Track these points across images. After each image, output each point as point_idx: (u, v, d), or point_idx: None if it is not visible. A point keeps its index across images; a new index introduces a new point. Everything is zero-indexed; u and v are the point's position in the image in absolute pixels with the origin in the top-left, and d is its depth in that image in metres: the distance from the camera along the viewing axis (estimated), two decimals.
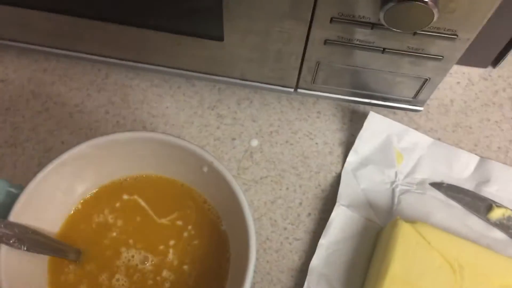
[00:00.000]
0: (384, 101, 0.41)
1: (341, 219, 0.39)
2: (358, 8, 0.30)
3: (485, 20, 0.30)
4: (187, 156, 0.29)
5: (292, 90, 0.42)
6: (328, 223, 0.39)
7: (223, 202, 0.30)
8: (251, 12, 0.33)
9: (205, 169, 0.29)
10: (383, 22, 0.28)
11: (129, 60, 0.42)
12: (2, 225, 0.25)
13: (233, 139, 0.43)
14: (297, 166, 0.42)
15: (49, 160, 0.41)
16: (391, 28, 0.28)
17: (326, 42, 0.34)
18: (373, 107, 0.42)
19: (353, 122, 0.44)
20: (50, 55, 0.44)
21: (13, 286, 0.25)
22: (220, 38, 0.36)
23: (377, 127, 0.42)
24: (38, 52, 0.43)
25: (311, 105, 0.45)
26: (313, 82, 0.40)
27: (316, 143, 0.43)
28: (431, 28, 0.29)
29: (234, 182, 0.28)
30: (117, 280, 0.29)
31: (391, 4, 0.26)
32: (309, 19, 0.33)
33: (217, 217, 0.31)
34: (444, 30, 0.31)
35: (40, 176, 0.27)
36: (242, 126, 0.43)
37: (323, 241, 0.38)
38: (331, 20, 0.32)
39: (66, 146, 0.41)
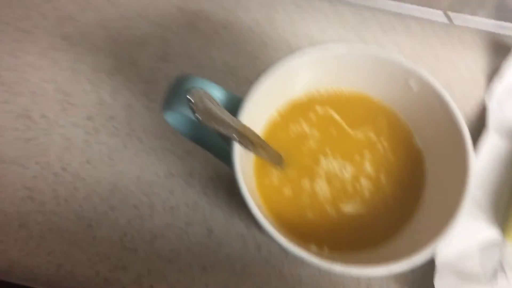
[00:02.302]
0: None
1: (489, 145, 0.40)
2: None
3: None
4: (390, 70, 0.30)
5: (444, 17, 0.42)
6: (478, 148, 0.40)
7: (421, 118, 0.31)
8: None
9: (412, 83, 0.30)
10: None
11: None
12: (238, 125, 0.26)
13: None
14: None
15: (200, 75, 0.42)
16: None
17: None
18: None
19: (497, 53, 0.44)
20: None
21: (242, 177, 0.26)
22: None
23: None
24: None
25: (454, 33, 0.45)
26: None
27: (460, 72, 0.43)
28: None
29: (448, 96, 0.28)
30: (318, 185, 0.31)
31: None
32: None
33: (409, 133, 0.32)
34: None
35: (260, 83, 0.28)
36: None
37: None
38: None
39: (216, 62, 0.41)
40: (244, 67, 0.42)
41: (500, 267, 0.37)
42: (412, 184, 0.31)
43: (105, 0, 0.43)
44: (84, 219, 0.38)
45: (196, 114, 0.23)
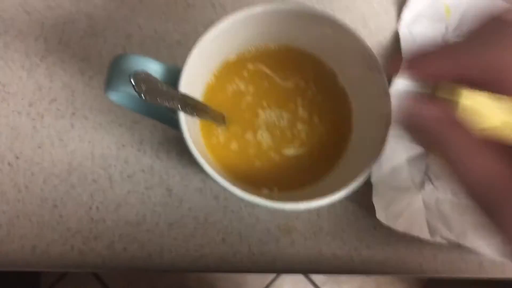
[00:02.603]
0: None
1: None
2: None
3: None
4: (306, 20, 0.33)
5: None
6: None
7: (340, 59, 0.34)
8: None
9: (326, 28, 0.33)
10: None
11: None
12: (179, 96, 0.29)
13: None
14: (358, 28, 0.46)
15: (132, 45, 0.43)
16: None
17: None
18: None
19: None
20: None
21: (191, 140, 0.30)
22: None
23: None
24: None
25: None
26: None
27: (373, 6, 0.47)
28: None
29: (358, 34, 0.32)
30: (261, 135, 0.34)
31: None
32: None
33: (333, 74, 0.36)
34: None
35: (194, 52, 0.30)
36: None
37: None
38: None
39: (144, 30, 0.43)
40: (174, 32, 0.44)
41: (426, 176, 0.42)
42: (342, 120, 0.35)
43: None
44: (48, 200, 0.40)
45: (142, 96, 0.26)
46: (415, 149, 0.43)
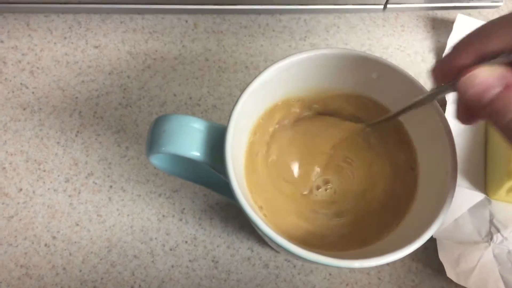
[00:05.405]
0: (467, 2, 0.44)
1: (452, 115, 0.42)
2: None
3: None
4: (356, 65, 0.31)
5: (381, 7, 0.44)
6: None
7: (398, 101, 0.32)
8: None
9: (374, 74, 0.31)
10: None
11: (214, 4, 0.43)
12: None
13: None
14: None
15: (167, 113, 0.42)
16: None
17: None
18: (457, 10, 0.45)
19: (436, 29, 0.47)
20: (134, 15, 0.44)
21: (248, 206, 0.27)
22: None
23: (464, 28, 0.45)
24: (120, 13, 0.44)
25: (393, 20, 0.47)
26: None
27: (408, 54, 0.46)
28: None
29: (415, 79, 0.30)
30: (316, 191, 0.32)
31: None
32: None
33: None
34: None
35: (238, 107, 0.29)
36: None
37: None
38: None
39: (179, 97, 0.42)
40: (209, 96, 0.43)
41: (492, 226, 0.39)
42: (406, 168, 0.32)
43: (52, 61, 0.42)
44: (87, 282, 0.37)
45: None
46: (476, 197, 0.40)
